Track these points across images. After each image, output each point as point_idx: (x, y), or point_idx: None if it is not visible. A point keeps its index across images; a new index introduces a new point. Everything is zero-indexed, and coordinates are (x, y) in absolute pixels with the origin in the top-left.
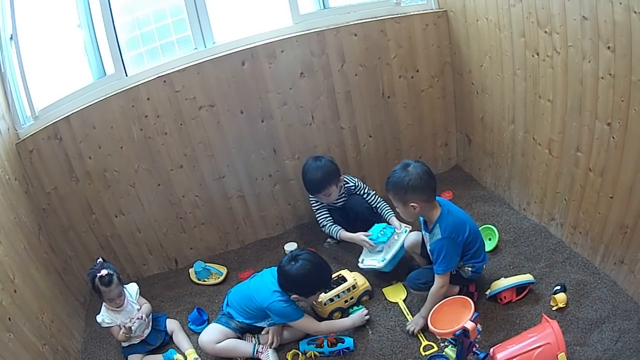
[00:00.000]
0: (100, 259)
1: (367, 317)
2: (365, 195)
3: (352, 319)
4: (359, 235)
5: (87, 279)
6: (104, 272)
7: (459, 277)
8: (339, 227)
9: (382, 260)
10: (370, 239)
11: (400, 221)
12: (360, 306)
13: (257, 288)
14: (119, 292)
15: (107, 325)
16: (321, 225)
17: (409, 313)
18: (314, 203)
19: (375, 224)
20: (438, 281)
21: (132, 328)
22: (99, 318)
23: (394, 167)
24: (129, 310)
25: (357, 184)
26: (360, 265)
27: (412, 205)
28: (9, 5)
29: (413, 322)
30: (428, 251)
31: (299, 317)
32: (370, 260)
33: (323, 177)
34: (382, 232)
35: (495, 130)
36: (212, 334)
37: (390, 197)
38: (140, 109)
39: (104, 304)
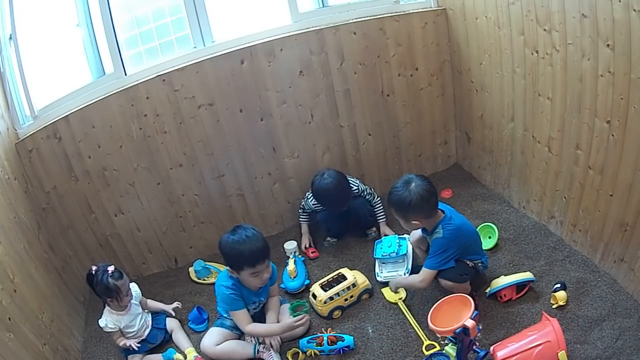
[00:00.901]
0: (94, 267)
1: (300, 323)
2: (368, 196)
3: (282, 326)
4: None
5: (99, 289)
6: (110, 268)
7: (476, 271)
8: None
9: (407, 271)
10: (390, 252)
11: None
12: (304, 311)
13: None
14: (128, 283)
15: (110, 330)
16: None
17: (409, 313)
18: (302, 206)
19: (385, 237)
20: (422, 275)
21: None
22: (101, 322)
23: (397, 181)
24: (132, 313)
25: (359, 187)
26: (379, 278)
27: (414, 223)
28: (8, 4)
29: (393, 283)
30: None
31: (236, 309)
32: (393, 272)
33: (344, 201)
34: (399, 245)
35: (494, 128)
36: (212, 337)
37: (392, 211)
38: (139, 108)
39: (107, 307)
